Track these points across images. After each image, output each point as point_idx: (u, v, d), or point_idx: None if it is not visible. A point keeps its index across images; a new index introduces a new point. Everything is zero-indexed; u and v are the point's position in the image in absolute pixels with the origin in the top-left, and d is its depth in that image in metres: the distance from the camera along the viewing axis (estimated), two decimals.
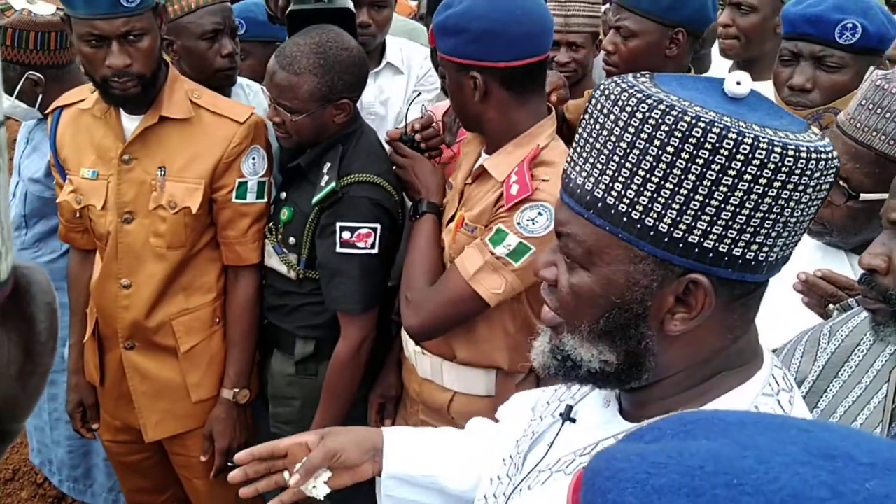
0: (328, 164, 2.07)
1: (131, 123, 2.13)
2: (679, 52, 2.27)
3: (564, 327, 0.92)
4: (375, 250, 2.05)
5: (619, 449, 0.48)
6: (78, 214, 2.21)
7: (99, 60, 1.98)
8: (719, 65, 2.77)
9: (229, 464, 2.27)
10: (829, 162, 0.82)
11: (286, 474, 1.30)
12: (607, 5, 2.97)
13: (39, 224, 2.56)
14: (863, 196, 1.51)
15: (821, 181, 0.82)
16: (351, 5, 2.15)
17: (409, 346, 2.07)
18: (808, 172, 0.80)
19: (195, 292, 2.24)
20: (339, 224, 2.03)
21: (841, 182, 1.52)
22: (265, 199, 2.21)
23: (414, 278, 1.94)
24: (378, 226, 2.05)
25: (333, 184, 2.02)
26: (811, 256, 1.64)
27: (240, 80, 2.60)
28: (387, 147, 2.16)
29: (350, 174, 2.05)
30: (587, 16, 2.62)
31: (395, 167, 2.12)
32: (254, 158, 2.17)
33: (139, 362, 2.25)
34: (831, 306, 1.54)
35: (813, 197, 0.82)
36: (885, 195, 1.47)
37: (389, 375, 2.26)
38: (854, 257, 1.61)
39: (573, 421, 1.04)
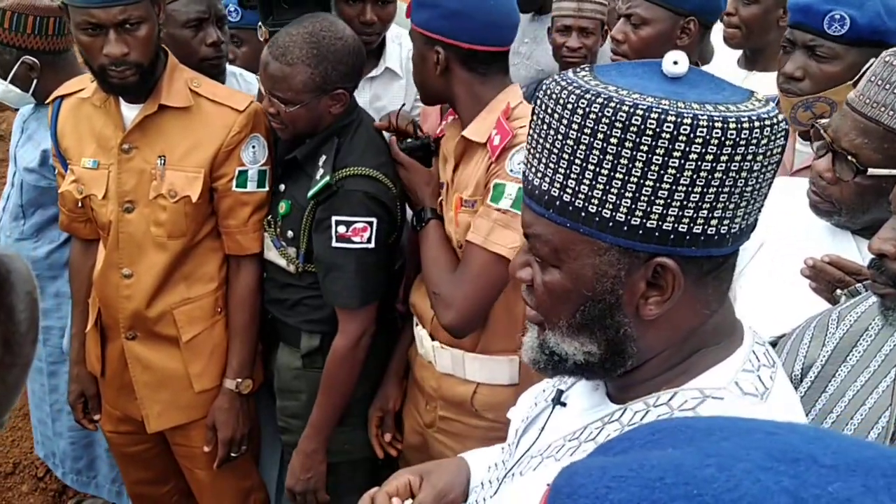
0: (324, 157, 2.05)
1: (131, 112, 2.12)
2: (690, 42, 2.26)
3: (545, 324, 0.94)
4: (372, 245, 2.03)
5: (584, 464, 0.48)
6: (80, 204, 2.20)
7: (96, 49, 1.96)
8: (724, 54, 2.76)
9: (232, 454, 2.29)
10: (775, 126, 0.83)
11: None
12: None
13: (37, 214, 2.55)
14: (871, 171, 1.50)
15: (770, 146, 0.83)
16: None
17: (426, 343, 2.06)
18: (754, 141, 0.81)
19: (196, 282, 2.23)
20: (334, 218, 2.01)
21: (849, 158, 1.52)
22: (266, 188, 2.20)
23: (436, 275, 1.94)
24: (374, 220, 2.02)
25: (328, 177, 2.00)
26: (819, 239, 1.64)
27: (233, 69, 2.59)
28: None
29: (346, 167, 2.03)
30: (598, 2, 2.63)
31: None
32: (254, 147, 2.16)
33: (141, 352, 2.24)
34: (839, 291, 1.54)
35: (765, 163, 0.83)
36: (894, 171, 1.47)
37: (388, 387, 2.24)
38: (861, 240, 1.61)
39: (563, 405, 1.05)
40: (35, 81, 2.46)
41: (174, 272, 2.19)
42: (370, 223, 2.02)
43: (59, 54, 2.50)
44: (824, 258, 1.55)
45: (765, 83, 2.48)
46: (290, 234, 2.13)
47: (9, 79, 2.42)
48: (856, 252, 1.60)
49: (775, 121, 0.83)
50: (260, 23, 2.22)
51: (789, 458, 0.41)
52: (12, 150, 2.57)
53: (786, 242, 1.65)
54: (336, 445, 2.20)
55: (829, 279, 1.55)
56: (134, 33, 1.97)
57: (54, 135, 2.22)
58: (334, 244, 2.02)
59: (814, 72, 1.96)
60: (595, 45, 2.63)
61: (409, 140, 2.10)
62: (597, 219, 0.84)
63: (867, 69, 1.75)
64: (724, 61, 2.74)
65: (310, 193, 2.03)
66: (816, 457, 0.41)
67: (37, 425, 2.87)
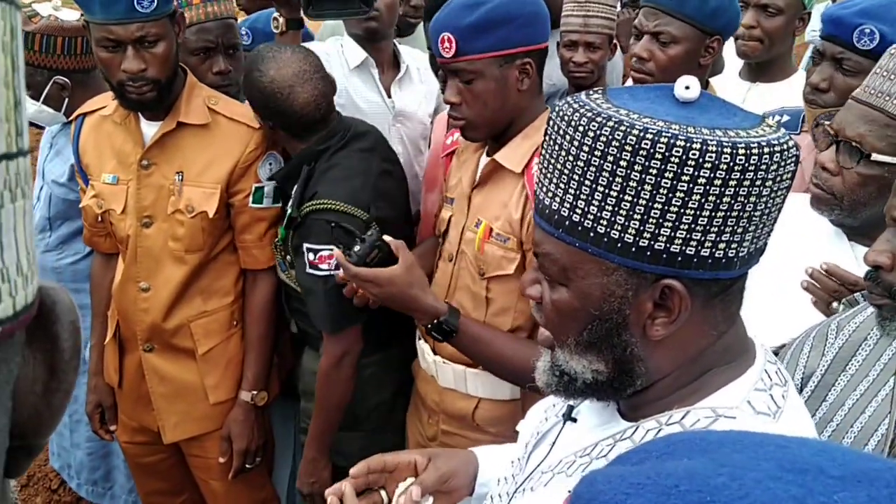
0: (295, 188, 2.09)
1: (150, 129, 2.17)
2: (711, 61, 2.23)
3: (555, 344, 0.96)
4: (341, 272, 1.95)
5: (603, 472, 0.49)
6: (100, 219, 2.25)
7: (115, 65, 2.02)
8: (734, 65, 2.77)
9: (247, 465, 2.32)
10: (785, 153, 0.83)
11: (383, 493, 1.25)
12: (618, 8, 2.95)
13: (63, 226, 2.60)
14: (874, 156, 1.51)
15: (779, 172, 0.83)
16: None
17: (428, 357, 2.06)
18: (763, 167, 0.81)
19: (213, 295, 2.27)
20: (305, 245, 2.03)
21: (854, 144, 1.53)
22: (280, 204, 2.24)
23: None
24: (340, 248, 1.98)
25: (291, 210, 2.05)
26: (817, 250, 1.65)
27: None
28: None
29: (312, 199, 2.03)
30: (605, 17, 2.61)
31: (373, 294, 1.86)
32: (270, 164, 2.21)
33: (158, 364, 2.28)
34: (835, 304, 1.54)
35: (774, 189, 0.84)
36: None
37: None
38: (858, 247, 1.62)
39: (574, 420, 1.06)
40: (66, 100, 2.52)
41: (191, 286, 2.23)
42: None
43: (87, 72, 2.56)
44: (822, 265, 1.56)
45: (769, 94, 2.50)
46: (288, 258, 2.17)
47: (41, 99, 2.48)
48: (853, 261, 1.61)
49: (785, 147, 0.83)
50: (276, 14, 2.26)
51: (798, 469, 0.43)
52: (40, 165, 2.64)
53: (783, 254, 1.67)
54: (353, 449, 2.23)
55: (825, 290, 1.56)
56: (151, 50, 2.02)
57: (76, 151, 2.27)
58: (308, 270, 2.03)
59: (839, 84, 1.95)
60: (602, 59, 2.63)
61: (356, 249, 1.80)
62: (605, 239, 0.85)
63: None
64: (726, 73, 2.75)
65: (283, 225, 2.09)
66: (824, 468, 0.43)
67: (53, 437, 2.90)
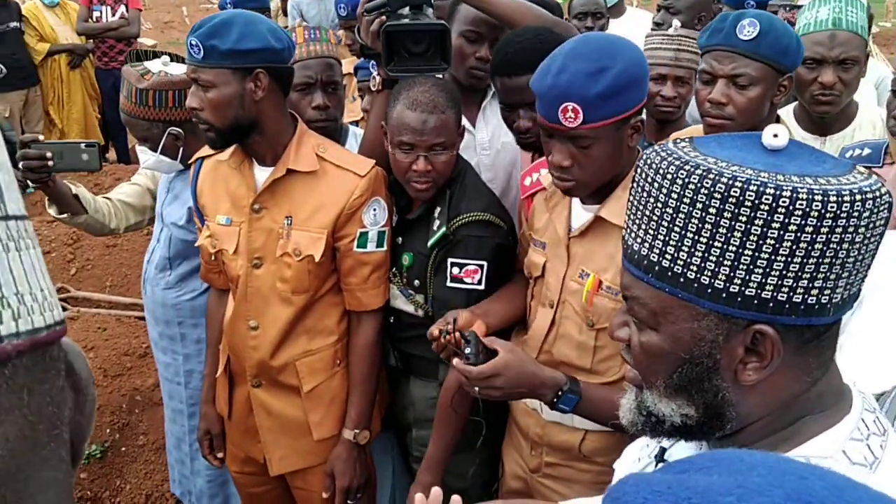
0: (438, 209, 2.18)
1: (262, 175, 2.25)
2: (781, 100, 2.22)
3: (643, 385, 0.96)
4: (482, 286, 2.14)
5: (638, 475, 0.53)
6: (213, 257, 2.36)
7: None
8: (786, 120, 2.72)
9: (349, 501, 2.38)
10: (878, 199, 0.82)
11: None
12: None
13: (182, 265, 2.73)
14: None
15: (872, 219, 0.82)
16: (445, 24, 2.12)
17: None
18: (856, 214, 0.80)
19: (318, 335, 2.33)
20: (449, 260, 2.15)
21: None
22: (385, 248, 2.29)
23: None
24: (485, 263, 2.13)
25: (444, 228, 2.14)
26: None
27: (356, 130, 2.72)
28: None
29: (458, 215, 2.15)
30: (694, 51, 2.57)
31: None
32: (374, 210, 2.26)
33: (265, 399, 2.37)
34: None
35: (867, 235, 0.83)
36: None
37: None
38: None
39: (666, 462, 1.06)
40: (181, 148, 2.66)
41: (297, 325, 2.30)
42: (481, 266, 2.13)
43: None
44: None
45: (843, 143, 2.48)
46: (416, 283, 2.25)
47: (159, 150, 2.63)
48: None
49: (878, 194, 0.83)
50: (375, 72, 2.34)
51: (803, 500, 0.45)
52: (159, 209, 2.78)
53: (887, 296, 1.59)
54: (467, 470, 2.27)
55: None
56: (204, 94, 2.11)
57: (194, 192, 2.39)
58: (448, 284, 2.14)
59: None
60: (689, 94, 2.58)
61: (467, 352, 1.79)
62: (695, 285, 0.86)
63: None
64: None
65: (430, 243, 2.16)
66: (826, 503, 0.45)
67: (174, 465, 3.03)
